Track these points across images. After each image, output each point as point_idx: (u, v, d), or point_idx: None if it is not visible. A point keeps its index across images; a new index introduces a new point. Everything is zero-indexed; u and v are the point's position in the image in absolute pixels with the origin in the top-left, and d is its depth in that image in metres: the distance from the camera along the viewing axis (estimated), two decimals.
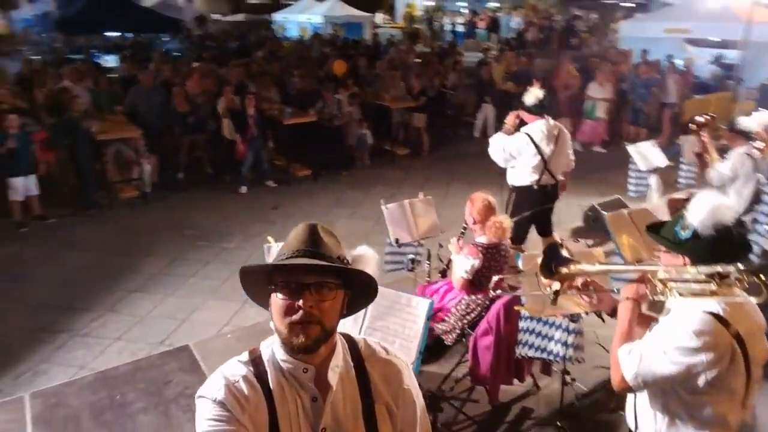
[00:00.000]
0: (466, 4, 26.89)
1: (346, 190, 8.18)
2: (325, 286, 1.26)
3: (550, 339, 2.94)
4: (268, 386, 1.28)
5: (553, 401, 3.43)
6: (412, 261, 3.98)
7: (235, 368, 1.31)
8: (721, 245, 1.75)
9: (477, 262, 3.29)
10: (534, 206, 4.81)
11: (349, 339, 1.42)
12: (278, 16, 25.34)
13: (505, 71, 11.81)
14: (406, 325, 2.23)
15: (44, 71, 9.75)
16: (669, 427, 1.85)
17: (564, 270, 1.86)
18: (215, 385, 1.27)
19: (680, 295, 1.71)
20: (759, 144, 4.44)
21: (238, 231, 6.72)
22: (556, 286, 1.87)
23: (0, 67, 10.94)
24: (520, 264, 2.89)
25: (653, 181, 5.41)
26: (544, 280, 1.90)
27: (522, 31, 20.20)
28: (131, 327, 4.82)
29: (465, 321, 3.38)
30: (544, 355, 3.01)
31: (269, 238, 3.41)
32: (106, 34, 16.64)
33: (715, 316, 1.71)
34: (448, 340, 3.42)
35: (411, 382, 1.42)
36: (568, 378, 3.18)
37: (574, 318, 2.84)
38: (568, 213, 6.26)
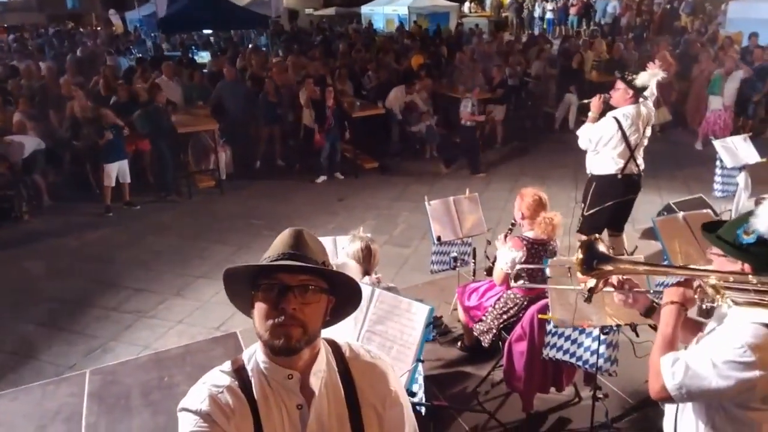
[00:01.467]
0: None
1: (411, 183, 8.09)
2: (308, 288, 1.26)
3: (580, 345, 2.71)
4: (253, 396, 1.27)
5: (596, 414, 3.16)
6: (455, 259, 3.84)
7: (219, 378, 1.30)
8: None
9: (520, 255, 3.12)
10: (616, 197, 4.49)
11: (333, 344, 1.41)
12: (365, 9, 25.59)
13: (594, 59, 11.09)
14: (405, 331, 2.14)
15: (144, 67, 10.52)
16: None
17: (607, 267, 1.71)
18: (199, 396, 1.26)
19: (734, 303, 1.53)
20: None
21: (303, 221, 6.85)
22: (592, 282, 1.73)
23: (111, 65, 11.95)
24: (547, 271, 2.67)
25: (742, 179, 4.82)
26: (580, 277, 1.77)
27: (618, 16, 18.88)
28: (193, 311, 5.08)
29: (502, 320, 3.22)
30: (573, 360, 2.79)
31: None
32: (202, 32, 17.68)
33: None
34: (485, 341, 3.28)
35: (397, 384, 1.41)
36: (600, 393, 2.91)
37: (605, 330, 2.58)
38: (644, 210, 5.75)
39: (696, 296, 1.69)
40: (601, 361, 2.65)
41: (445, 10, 22.43)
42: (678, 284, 1.73)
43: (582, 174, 4.89)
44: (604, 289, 1.85)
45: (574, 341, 2.74)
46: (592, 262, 1.71)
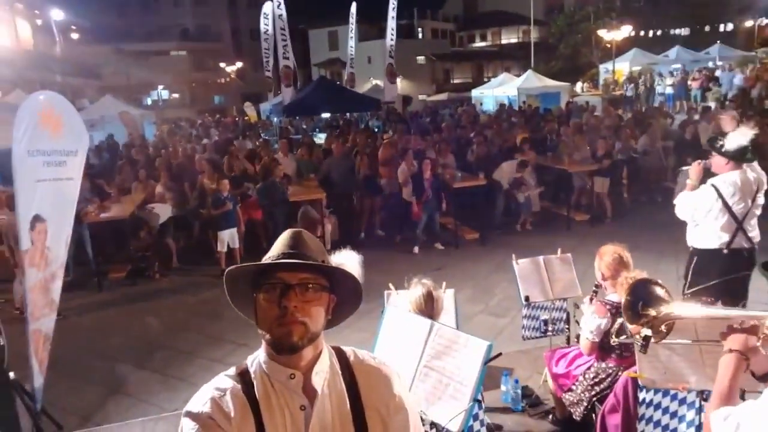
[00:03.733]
0: (679, 66, 24.71)
1: (510, 255, 7.87)
2: (309, 286, 1.27)
3: (681, 419, 2.36)
4: (255, 398, 1.28)
5: None
6: (546, 323, 3.63)
7: (222, 382, 1.31)
8: None
9: (605, 322, 2.87)
10: (721, 275, 3.92)
11: (337, 349, 1.41)
12: (476, 92, 26.48)
13: (714, 131, 10.39)
14: (462, 367, 2.04)
15: (265, 146, 11.68)
16: None
17: (652, 312, 1.57)
18: (201, 400, 1.27)
19: None
20: None
21: (399, 289, 6.90)
22: (647, 332, 1.58)
23: (237, 146, 13.42)
24: (628, 327, 2.42)
25: None
26: (630, 326, 1.65)
27: (746, 88, 17.66)
28: None
29: (594, 392, 2.93)
30: None
31: (390, 285, 3.46)
32: (322, 115, 19.39)
33: None
34: (576, 414, 2.99)
35: (401, 388, 1.39)
36: None
37: (706, 396, 2.25)
38: (758, 289, 5.01)
39: (760, 344, 1.51)
40: None
41: (555, 90, 22.55)
42: (742, 330, 1.54)
43: None
44: (712, 347, 1.67)
45: (673, 414, 2.40)
46: (637, 306, 1.58)
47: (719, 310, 1.64)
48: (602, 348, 2.94)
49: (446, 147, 9.94)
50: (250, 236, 8.58)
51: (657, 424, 2.46)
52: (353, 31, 21.91)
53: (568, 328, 3.66)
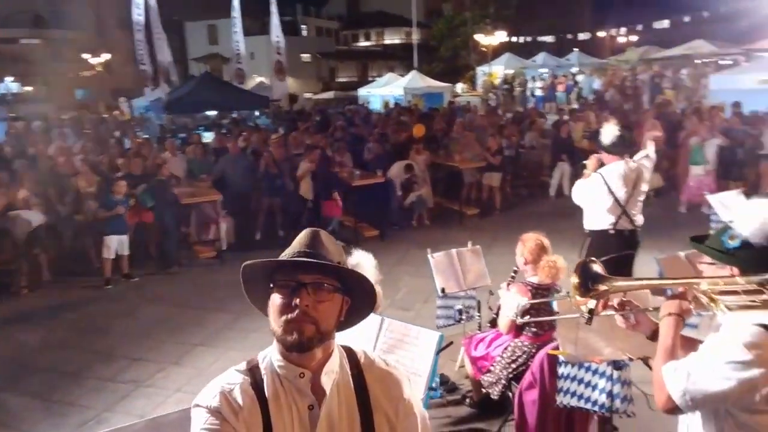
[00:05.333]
0: (546, 70, 27.04)
1: (411, 249, 8.12)
2: (322, 286, 1.28)
3: (594, 387, 2.62)
4: (264, 394, 1.28)
5: None
6: (460, 312, 3.80)
7: (232, 377, 1.32)
8: None
9: (524, 301, 3.08)
10: (610, 253, 4.38)
11: (348, 349, 1.41)
12: (363, 91, 26.82)
13: (584, 129, 11.52)
14: (416, 360, 2.10)
15: (146, 145, 10.89)
16: None
17: (601, 287, 1.73)
18: (210, 393, 1.28)
19: (728, 308, 1.59)
20: None
21: None
22: (592, 304, 1.75)
23: (116, 144, 12.36)
24: (554, 306, 2.64)
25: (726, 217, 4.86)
26: (579, 299, 1.79)
27: (602, 92, 19.83)
28: (191, 379, 4.93)
29: (511, 369, 3.13)
30: (588, 405, 2.68)
31: None
32: (207, 113, 18.48)
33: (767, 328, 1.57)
34: (494, 393, 3.17)
35: (411, 393, 1.40)
36: None
37: (618, 365, 2.52)
38: (650, 271, 5.74)
39: (692, 306, 1.73)
40: (617, 403, 2.56)
41: (439, 91, 23.53)
42: (674, 296, 1.77)
43: (579, 237, 4.93)
44: (613, 318, 1.86)
45: (587, 384, 2.64)
46: (587, 283, 1.75)
47: (653, 281, 1.84)
48: (518, 327, 3.15)
49: (342, 146, 9.97)
50: (137, 242, 7.94)
51: (573, 394, 2.70)
52: (238, 26, 21.11)
53: (479, 315, 3.86)
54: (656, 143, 10.31)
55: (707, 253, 1.79)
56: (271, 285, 1.31)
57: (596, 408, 2.66)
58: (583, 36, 28.40)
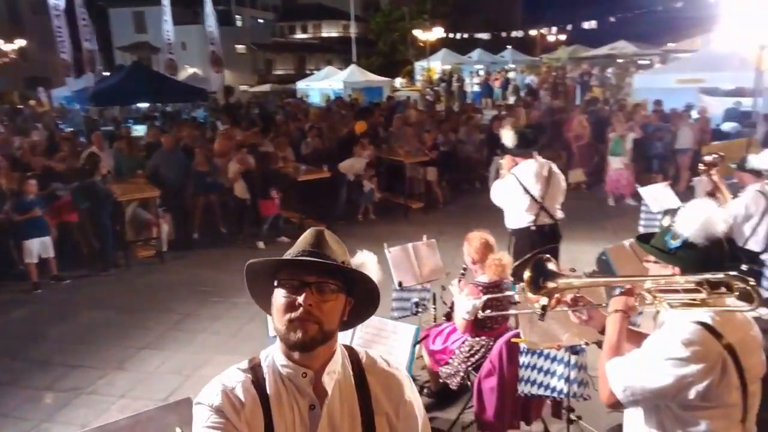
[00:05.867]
0: (482, 67, 27.75)
1: (359, 244, 8.00)
2: (327, 286, 1.28)
3: (552, 374, 2.78)
4: (265, 392, 1.28)
5: None
6: (417, 305, 3.88)
7: (234, 375, 1.31)
8: (712, 255, 1.73)
9: (478, 302, 3.18)
10: (534, 248, 4.51)
11: (350, 350, 1.42)
12: (301, 84, 26.49)
13: (514, 125, 11.93)
14: (393, 352, 2.14)
15: (69, 139, 10.26)
16: None
17: (551, 284, 1.80)
18: (212, 391, 1.28)
19: (670, 306, 1.68)
20: None
21: None
22: (544, 301, 1.82)
23: (35, 139, 11.53)
24: (516, 296, 2.77)
25: (665, 222, 5.24)
26: (531, 296, 1.85)
27: (535, 89, 20.61)
28: (137, 384, 4.74)
29: (469, 363, 3.24)
30: (548, 392, 2.84)
31: None
32: (137, 105, 17.61)
33: (705, 326, 1.66)
34: (453, 384, 3.27)
35: (413, 395, 1.41)
36: (573, 416, 2.97)
37: (575, 350, 2.68)
38: (583, 260, 6.09)
39: (637, 303, 1.80)
40: (574, 387, 2.72)
41: (378, 85, 23.64)
42: (620, 294, 1.85)
43: None
44: (567, 309, 1.93)
45: (546, 372, 2.79)
46: (539, 280, 1.81)
47: (600, 279, 1.95)
48: (475, 325, 3.25)
49: (284, 140, 9.83)
50: (64, 242, 7.50)
51: (533, 383, 2.84)
52: (168, 14, 20.23)
53: (435, 308, 3.95)
54: (583, 137, 10.93)
55: (651, 252, 1.88)
56: (276, 283, 1.31)
57: (554, 394, 2.81)
58: (516, 34, 29.35)
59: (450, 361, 3.31)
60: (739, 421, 1.70)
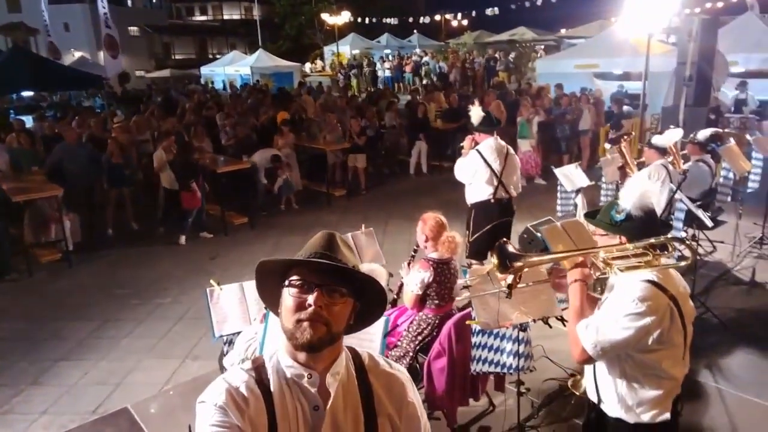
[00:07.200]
0: (390, 51, 27.95)
1: (284, 235, 8.04)
2: (337, 289, 1.29)
3: (503, 352, 2.94)
4: (269, 392, 1.28)
5: (510, 417, 3.42)
6: None
7: (238, 375, 1.31)
8: (650, 223, 2.02)
9: (428, 276, 3.31)
10: (492, 221, 5.06)
11: (353, 351, 1.42)
12: (205, 70, 25.32)
13: (435, 110, 12.22)
14: (363, 345, 2.16)
15: None
16: (629, 389, 2.03)
17: (518, 263, 1.95)
18: (216, 390, 1.28)
19: (620, 271, 1.92)
20: (670, 158, 5.11)
21: (174, 285, 6.39)
22: (510, 279, 1.98)
23: None
24: (467, 278, 2.90)
25: (579, 200, 5.70)
26: (499, 275, 2.03)
27: (446, 74, 21.13)
28: (58, 399, 4.39)
29: (417, 342, 3.34)
30: (499, 369, 3.02)
31: (212, 281, 3.26)
32: (21, 94, 15.98)
33: (652, 282, 1.94)
34: (402, 365, 3.35)
35: (415, 396, 1.42)
36: (522, 388, 3.19)
37: (523, 327, 2.87)
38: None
39: (592, 271, 2.07)
40: (522, 361, 2.90)
41: (288, 70, 23.12)
42: (576, 265, 2.09)
43: (446, 208, 5.32)
44: (521, 289, 2.12)
45: (496, 350, 2.95)
46: (506, 261, 1.97)
47: (559, 254, 2.13)
48: (421, 300, 3.37)
49: (202, 130, 9.40)
50: None
51: (485, 361, 2.98)
52: None
53: None
54: (502, 121, 11.43)
55: (600, 226, 2.14)
56: (286, 283, 1.30)
57: (505, 370, 2.98)
58: (423, 19, 29.85)
59: (399, 343, 3.39)
60: (681, 357, 2.04)
